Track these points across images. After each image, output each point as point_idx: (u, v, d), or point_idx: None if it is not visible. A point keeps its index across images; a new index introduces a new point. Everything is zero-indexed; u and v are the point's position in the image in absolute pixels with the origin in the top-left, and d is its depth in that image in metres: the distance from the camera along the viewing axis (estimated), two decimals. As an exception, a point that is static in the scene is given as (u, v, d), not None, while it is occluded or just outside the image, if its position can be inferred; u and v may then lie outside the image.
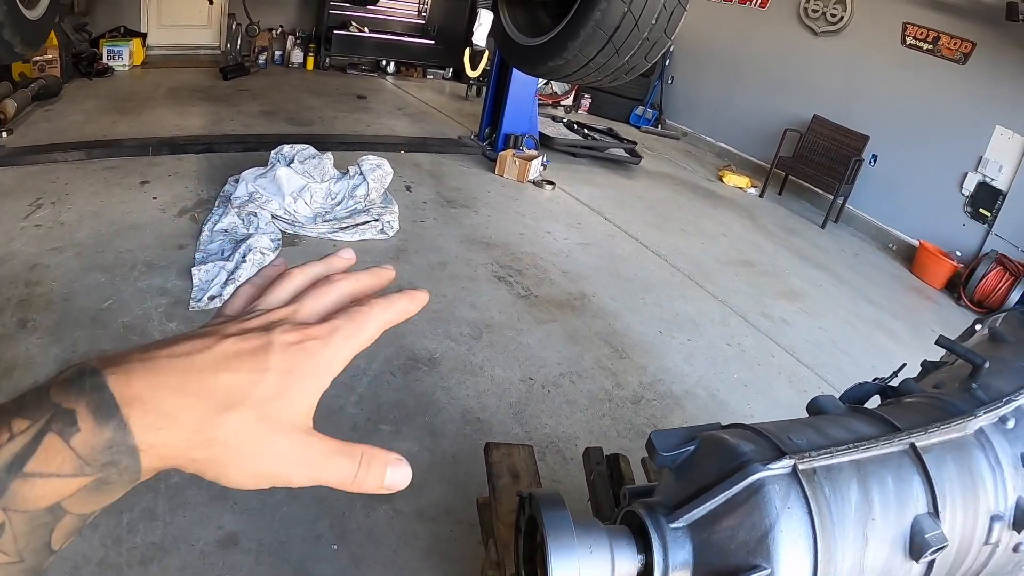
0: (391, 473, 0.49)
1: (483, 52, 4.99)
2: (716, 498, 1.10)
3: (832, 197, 7.06)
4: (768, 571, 1.03)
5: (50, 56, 7.07)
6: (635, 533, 1.18)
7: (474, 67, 5.22)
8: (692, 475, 1.20)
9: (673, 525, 1.13)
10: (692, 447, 1.24)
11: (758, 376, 4.09)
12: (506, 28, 3.25)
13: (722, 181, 7.78)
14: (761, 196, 7.47)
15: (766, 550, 1.05)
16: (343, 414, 3.13)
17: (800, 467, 1.11)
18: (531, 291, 4.43)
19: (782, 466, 1.10)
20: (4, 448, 0.37)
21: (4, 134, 5.72)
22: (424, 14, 10.28)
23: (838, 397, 1.50)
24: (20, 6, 3.19)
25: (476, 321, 4.00)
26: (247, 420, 0.42)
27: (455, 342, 3.78)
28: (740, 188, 7.68)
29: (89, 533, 2.44)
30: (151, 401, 0.40)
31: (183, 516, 2.54)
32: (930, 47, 6.91)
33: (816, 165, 7.32)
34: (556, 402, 3.47)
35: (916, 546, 1.12)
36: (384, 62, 10.09)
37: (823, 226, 7.08)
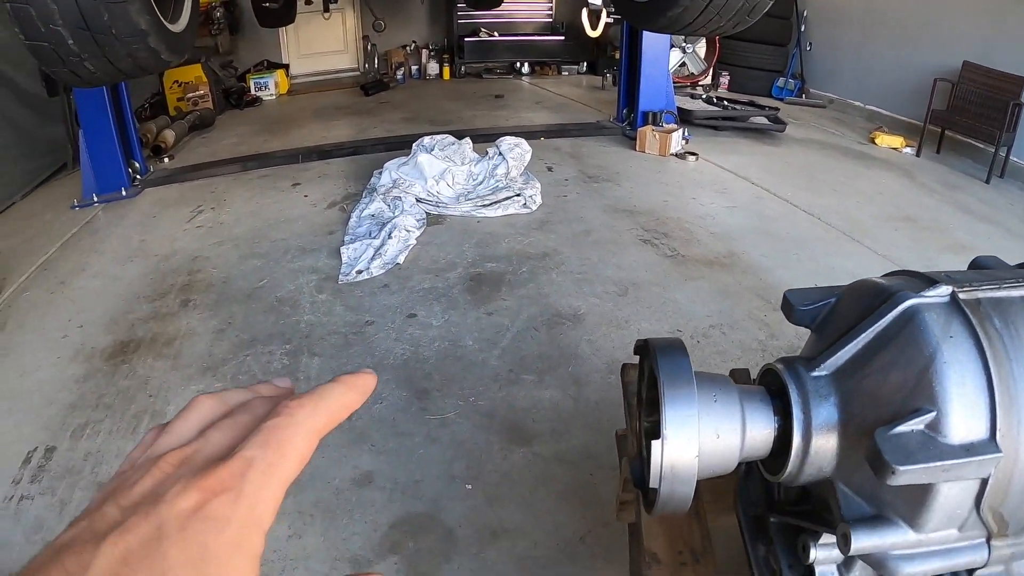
0: None
1: (600, 11, 5.04)
2: (862, 335, 0.97)
3: (993, 149, 6.42)
4: (933, 414, 0.88)
5: (202, 92, 7.99)
6: (772, 396, 1.08)
7: (593, 27, 5.28)
8: (835, 326, 1.08)
9: (815, 374, 1.02)
10: (833, 299, 1.12)
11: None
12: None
13: (874, 143, 7.32)
14: (917, 155, 6.94)
15: (928, 388, 0.89)
16: (485, 367, 3.21)
17: (961, 296, 0.96)
18: (678, 251, 4.36)
19: (939, 294, 0.96)
20: None
21: (166, 159, 6.51)
22: (551, 12, 10.47)
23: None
24: (163, 20, 3.68)
25: (622, 280, 3.98)
26: None
27: (600, 299, 3.77)
28: (894, 149, 7.18)
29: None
30: None
31: (320, 456, 2.69)
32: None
33: (972, 115, 6.69)
34: (706, 352, 3.37)
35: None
36: (518, 64, 10.36)
37: (987, 180, 6.44)
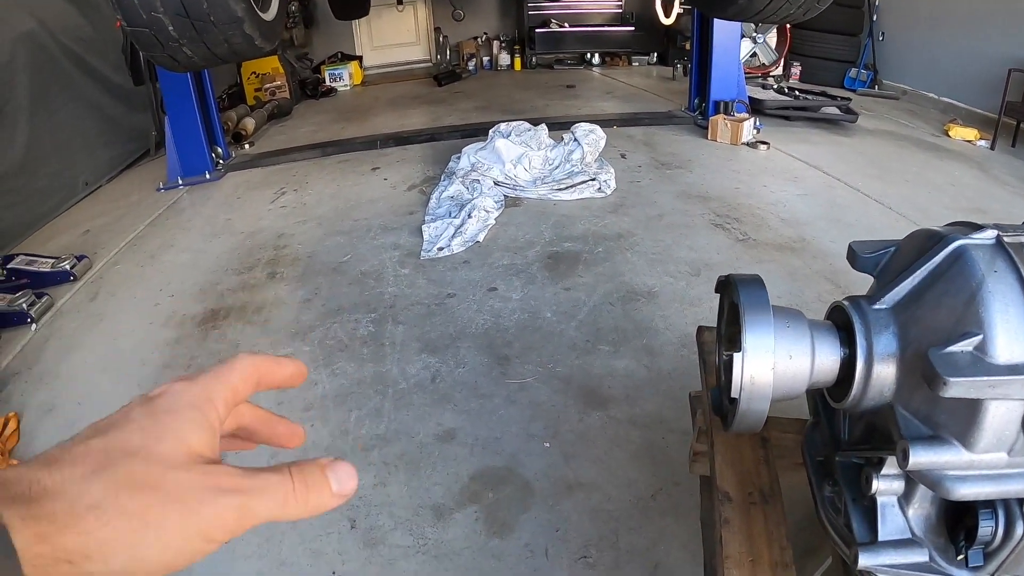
0: (335, 477, 0.47)
1: (674, -1, 5.14)
2: (917, 272, 1.11)
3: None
4: (980, 336, 0.99)
5: (279, 82, 8.39)
6: (839, 329, 1.21)
7: (667, 15, 5.37)
8: (894, 270, 1.22)
9: (876, 306, 1.15)
10: (892, 248, 1.27)
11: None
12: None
13: (948, 135, 7.19)
14: (992, 148, 6.78)
15: (975, 314, 1.00)
16: (563, 337, 3.37)
17: (1006, 239, 1.07)
18: (749, 236, 4.43)
19: (985, 236, 1.08)
20: None
21: (247, 146, 6.87)
22: (620, 2, 10.56)
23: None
24: (256, 8, 3.98)
25: (694, 261, 4.09)
26: (131, 469, 0.40)
27: (673, 279, 3.90)
28: (968, 141, 7.05)
29: (320, 426, 2.89)
30: (17, 484, 0.38)
31: (406, 415, 2.91)
32: None
33: (1049, 109, 6.55)
34: None
35: None
36: (588, 54, 10.49)
37: (1066, 176, 6.28)
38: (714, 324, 3.37)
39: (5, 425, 2.95)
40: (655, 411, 2.89)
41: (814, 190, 5.33)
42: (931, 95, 8.40)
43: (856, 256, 1.28)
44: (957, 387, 0.93)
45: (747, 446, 1.69)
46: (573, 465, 2.64)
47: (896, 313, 1.14)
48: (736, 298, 1.25)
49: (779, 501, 1.66)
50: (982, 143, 6.97)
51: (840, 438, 1.35)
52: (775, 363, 1.19)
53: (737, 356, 1.19)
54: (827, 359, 1.19)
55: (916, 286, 1.12)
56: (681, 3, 5.36)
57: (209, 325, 3.69)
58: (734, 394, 1.22)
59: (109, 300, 4.03)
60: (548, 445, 2.73)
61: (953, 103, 8.04)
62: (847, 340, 1.18)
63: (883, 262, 1.28)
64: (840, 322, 1.22)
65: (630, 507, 2.47)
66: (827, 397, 1.29)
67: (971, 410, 0.98)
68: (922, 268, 1.10)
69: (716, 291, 1.57)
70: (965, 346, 0.98)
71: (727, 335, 1.61)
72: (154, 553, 0.40)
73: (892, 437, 1.12)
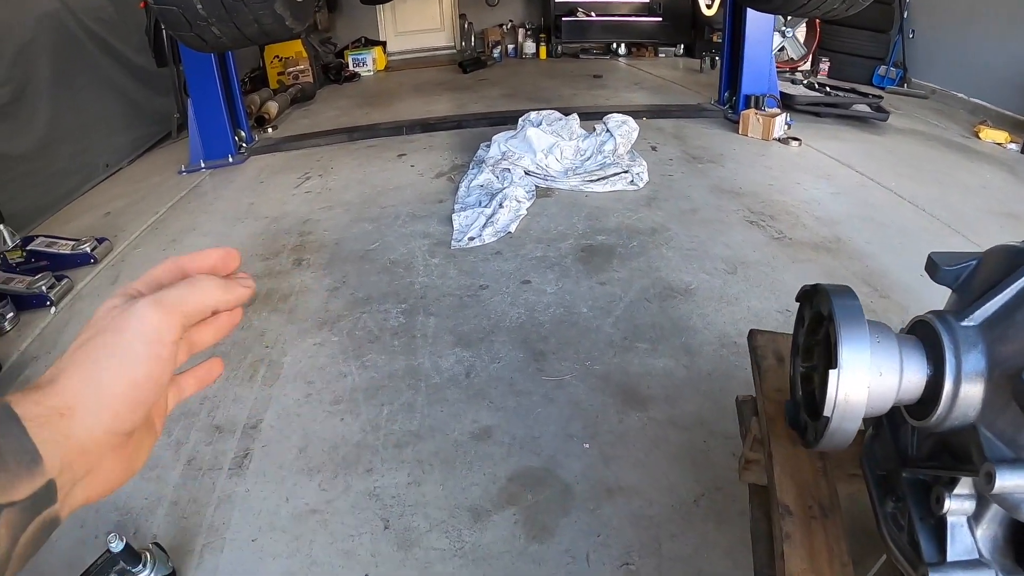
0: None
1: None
2: (1007, 289, 1.07)
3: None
4: None
5: (302, 66, 8.31)
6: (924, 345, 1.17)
7: (709, 6, 5.27)
8: (977, 285, 1.17)
9: (964, 323, 1.10)
10: (974, 262, 1.21)
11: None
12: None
13: (978, 137, 7.05)
14: (1023, 152, 6.66)
15: None
16: (600, 333, 3.27)
17: None
18: (784, 234, 4.33)
19: None
20: None
21: (270, 130, 6.79)
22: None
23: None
24: None
25: (730, 258, 3.99)
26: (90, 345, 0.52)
27: (710, 275, 3.79)
28: (999, 144, 6.91)
29: (351, 419, 2.81)
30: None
31: (440, 410, 2.82)
32: None
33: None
34: None
35: None
36: (614, 44, 10.34)
37: (1099, 182, 6.12)
38: (753, 325, 3.33)
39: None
40: (695, 412, 2.80)
41: (847, 188, 5.23)
42: (960, 95, 8.24)
43: (937, 268, 1.23)
44: (1048, 413, 0.90)
45: (805, 458, 1.64)
46: (613, 467, 2.55)
47: (984, 331, 1.09)
48: (830, 310, 1.20)
49: (839, 515, 1.60)
50: (1012, 146, 6.83)
51: (907, 453, 1.30)
52: (870, 381, 1.14)
53: (832, 373, 1.14)
54: (914, 376, 1.15)
55: (1006, 304, 1.08)
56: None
57: (234, 312, 3.60)
58: (826, 412, 1.18)
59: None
60: (587, 446, 2.64)
61: (983, 104, 7.88)
62: (933, 357, 1.13)
63: (963, 276, 1.23)
64: (924, 337, 1.17)
65: (672, 512, 2.38)
66: (905, 414, 1.23)
67: (1061, 436, 0.96)
68: (1012, 286, 1.07)
69: (797, 300, 1.50)
70: (1057, 369, 0.95)
71: (805, 346, 1.53)
72: (114, 382, 0.51)
73: (968, 456, 1.09)
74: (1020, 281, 1.05)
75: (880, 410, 1.20)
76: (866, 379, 1.13)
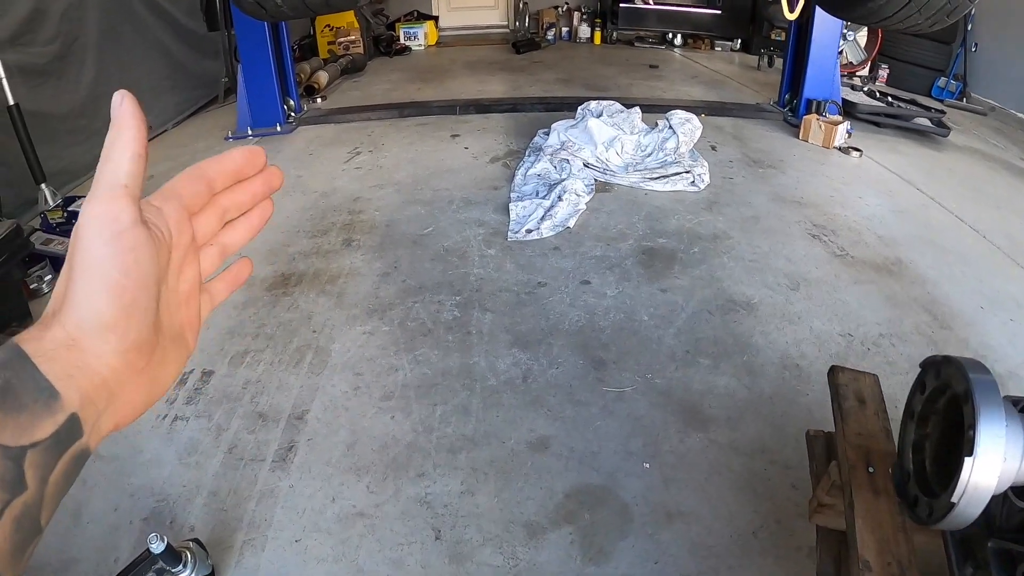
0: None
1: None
2: None
3: None
4: None
5: (353, 37, 8.19)
6: None
7: (792, 8, 5.07)
8: None
9: None
10: None
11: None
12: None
13: None
14: None
15: None
16: (661, 344, 3.14)
17: None
18: (846, 251, 4.18)
19: None
20: None
21: (320, 100, 6.69)
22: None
23: None
24: None
25: (792, 273, 3.84)
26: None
27: (772, 291, 3.65)
28: None
29: (401, 418, 2.70)
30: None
31: (496, 415, 2.70)
32: None
33: None
34: (876, 361, 3.21)
35: None
36: (671, 34, 10.10)
37: None
38: (816, 348, 3.21)
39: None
40: (756, 437, 2.67)
41: (909, 207, 5.06)
42: (1020, 115, 7.98)
43: None
44: None
45: (886, 511, 1.59)
46: (673, 490, 2.43)
47: None
48: (967, 390, 1.14)
49: (916, 574, 1.56)
50: (1075, 172, 6.59)
51: (994, 521, 1.27)
52: (1001, 469, 1.12)
53: (968, 461, 1.12)
54: None
55: None
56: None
57: (280, 291, 3.51)
58: (954, 499, 1.15)
59: (172, 253, 3.87)
60: (648, 466, 2.51)
61: (1043, 125, 7.62)
62: None
63: None
64: None
65: (730, 542, 2.27)
66: (1010, 494, 1.20)
67: None
68: None
69: (921, 366, 1.43)
70: None
71: (922, 413, 1.47)
72: (97, 296, 0.46)
73: None
74: None
75: (999, 491, 1.16)
76: (998, 468, 1.10)
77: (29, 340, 0.44)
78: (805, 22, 6.35)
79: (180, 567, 1.95)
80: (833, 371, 2.23)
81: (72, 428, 0.43)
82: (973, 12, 8.36)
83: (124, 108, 0.49)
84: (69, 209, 4.03)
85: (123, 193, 0.47)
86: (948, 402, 1.36)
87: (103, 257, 0.46)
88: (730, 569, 2.19)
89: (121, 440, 2.58)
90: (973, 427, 1.08)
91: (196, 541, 2.07)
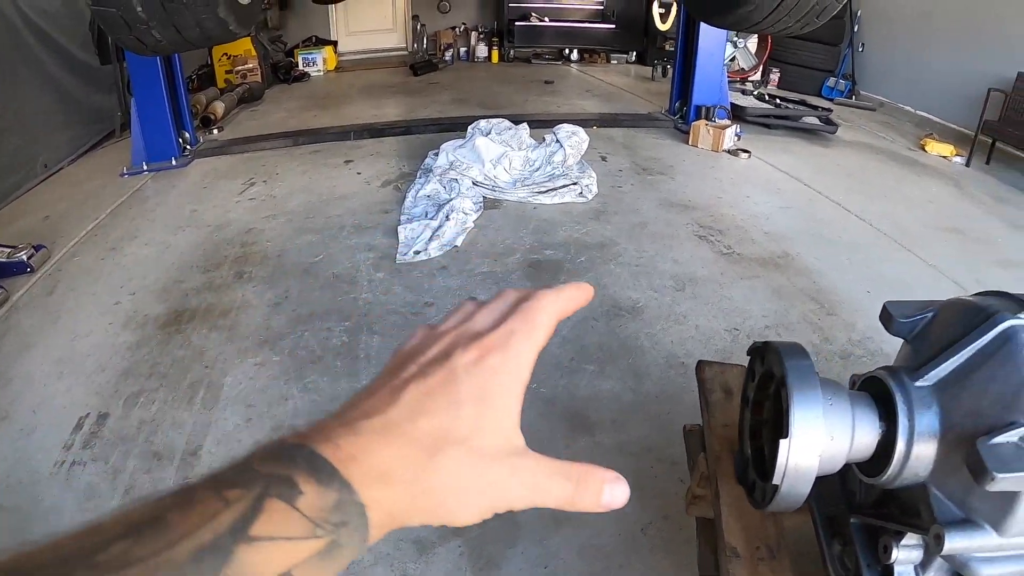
0: (608, 492, 0.48)
1: (671, 4, 5.02)
2: (964, 351, 1.04)
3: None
4: None
5: (251, 65, 8.11)
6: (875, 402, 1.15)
7: (664, 21, 5.26)
8: (932, 340, 1.15)
9: (919, 383, 1.08)
10: (931, 313, 1.18)
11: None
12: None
13: (924, 150, 7.21)
14: (967, 165, 6.81)
15: (1023, 403, 0.97)
16: (547, 354, 3.19)
17: None
18: (733, 249, 4.34)
19: None
20: (222, 515, 0.35)
21: (216, 131, 6.60)
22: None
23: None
24: None
25: (679, 274, 3.97)
26: (458, 458, 0.43)
27: (658, 293, 3.77)
28: (944, 157, 7.07)
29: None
30: (364, 460, 0.40)
31: None
32: None
33: (1025, 127, 6.54)
34: None
35: None
36: (567, 50, 10.33)
37: (1040, 197, 6.29)
38: (701, 345, 3.29)
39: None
40: (642, 438, 2.76)
41: (796, 203, 5.26)
42: (907, 108, 8.41)
43: (892, 319, 1.20)
44: (1004, 482, 0.90)
45: None
46: (559, 494, 2.50)
47: (939, 391, 1.07)
48: (782, 373, 1.15)
49: (786, 556, 1.59)
50: (957, 159, 6.97)
51: (854, 498, 1.30)
52: (822, 448, 1.12)
53: (783, 443, 1.11)
54: (866, 437, 1.13)
55: (961, 366, 1.06)
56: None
57: (172, 328, 3.46)
58: (776, 480, 1.14)
59: (68, 296, 3.77)
60: (533, 473, 2.58)
61: (929, 117, 8.05)
62: (885, 416, 1.11)
63: (918, 329, 1.20)
64: (877, 395, 1.15)
65: (620, 542, 2.34)
66: (856, 470, 1.21)
67: (1008, 499, 0.97)
68: (968, 348, 1.04)
69: (748, 354, 1.48)
70: (1011, 436, 0.94)
71: (755, 399, 1.52)
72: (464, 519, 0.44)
73: (916, 511, 1.10)
74: (975, 344, 1.03)
75: (831, 471, 1.17)
76: (818, 446, 1.10)
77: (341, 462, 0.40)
78: (691, 33, 6.57)
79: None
80: (700, 366, 2.31)
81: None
82: (859, 14, 8.79)
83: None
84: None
85: None
86: (777, 387, 1.43)
87: (498, 480, 0.44)
88: (620, 568, 2.26)
89: (20, 490, 2.51)
90: (787, 410, 1.11)
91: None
